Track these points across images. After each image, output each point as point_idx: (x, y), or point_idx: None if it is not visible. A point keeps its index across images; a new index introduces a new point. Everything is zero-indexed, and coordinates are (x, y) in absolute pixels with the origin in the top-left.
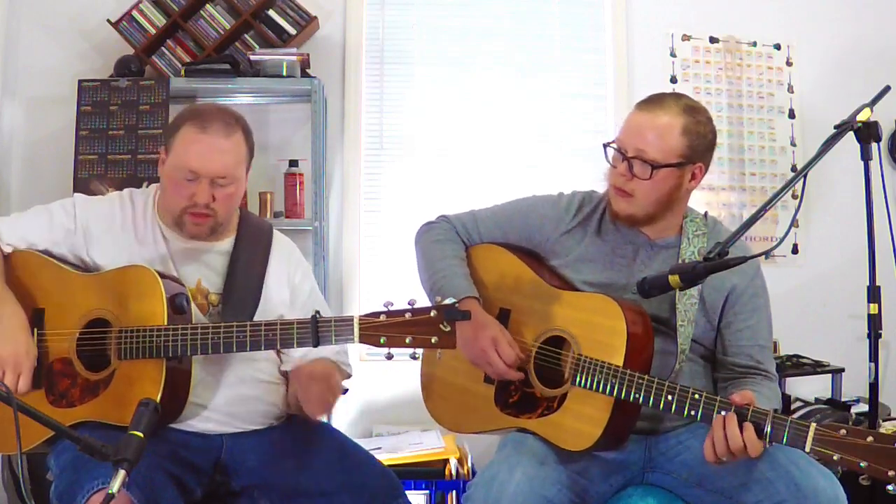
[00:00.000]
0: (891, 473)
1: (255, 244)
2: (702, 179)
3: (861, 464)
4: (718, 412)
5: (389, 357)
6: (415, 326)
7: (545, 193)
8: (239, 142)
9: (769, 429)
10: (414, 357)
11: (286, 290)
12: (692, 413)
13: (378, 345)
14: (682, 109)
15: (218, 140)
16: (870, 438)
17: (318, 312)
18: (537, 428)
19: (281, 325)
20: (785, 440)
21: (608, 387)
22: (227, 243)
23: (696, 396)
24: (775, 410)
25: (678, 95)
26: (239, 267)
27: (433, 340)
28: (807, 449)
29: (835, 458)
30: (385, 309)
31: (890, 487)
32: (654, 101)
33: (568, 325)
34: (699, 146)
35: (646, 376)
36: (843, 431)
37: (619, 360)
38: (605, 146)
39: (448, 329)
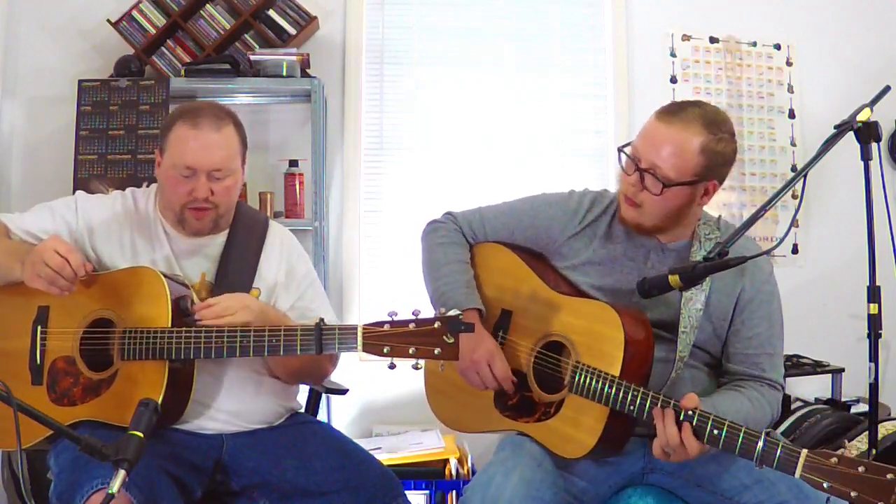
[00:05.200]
0: None
1: (250, 232)
2: (714, 195)
3: (852, 493)
4: (711, 430)
5: (392, 367)
6: (418, 337)
7: (555, 192)
8: (230, 134)
9: (719, 433)
10: (416, 367)
11: (282, 275)
12: None
13: (381, 354)
14: (704, 124)
15: (210, 134)
16: (861, 468)
17: (321, 320)
18: (533, 432)
19: (284, 332)
20: (776, 464)
21: (603, 396)
22: (225, 235)
23: (690, 413)
24: (767, 433)
25: (702, 106)
26: (233, 253)
27: (436, 352)
28: (797, 475)
29: (825, 486)
30: (389, 318)
31: None
32: (675, 113)
33: (568, 332)
34: (716, 164)
35: (640, 388)
36: (834, 459)
37: (615, 370)
38: (619, 150)
39: (451, 341)
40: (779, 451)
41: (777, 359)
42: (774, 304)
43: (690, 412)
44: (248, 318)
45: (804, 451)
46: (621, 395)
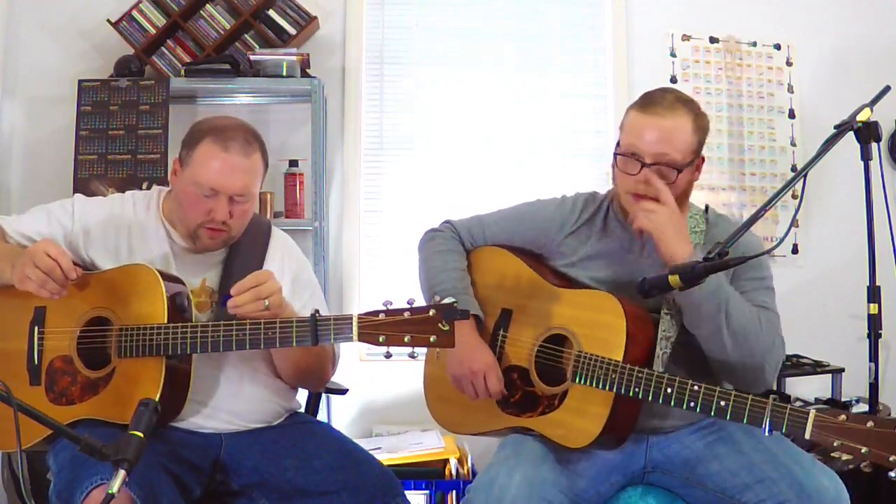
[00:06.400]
0: (892, 458)
1: (254, 238)
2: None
3: (862, 449)
4: (718, 402)
5: (388, 356)
6: (413, 325)
7: (549, 197)
8: (258, 160)
9: (726, 404)
10: (412, 356)
11: (286, 281)
12: (691, 405)
13: (377, 343)
14: (686, 108)
15: (239, 159)
16: (870, 423)
17: (317, 311)
18: (538, 426)
19: (280, 324)
20: (784, 428)
21: (607, 383)
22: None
23: (696, 388)
24: (774, 398)
25: (671, 90)
26: (237, 260)
27: (432, 339)
28: (807, 435)
29: (835, 444)
30: (384, 308)
31: (891, 473)
32: (658, 103)
33: (569, 324)
34: (704, 138)
35: (644, 370)
36: (843, 417)
37: (618, 356)
38: (616, 155)
39: (446, 328)
40: (787, 414)
41: (773, 315)
42: (766, 273)
43: (696, 388)
44: (279, 285)
45: (812, 412)
46: (625, 378)
